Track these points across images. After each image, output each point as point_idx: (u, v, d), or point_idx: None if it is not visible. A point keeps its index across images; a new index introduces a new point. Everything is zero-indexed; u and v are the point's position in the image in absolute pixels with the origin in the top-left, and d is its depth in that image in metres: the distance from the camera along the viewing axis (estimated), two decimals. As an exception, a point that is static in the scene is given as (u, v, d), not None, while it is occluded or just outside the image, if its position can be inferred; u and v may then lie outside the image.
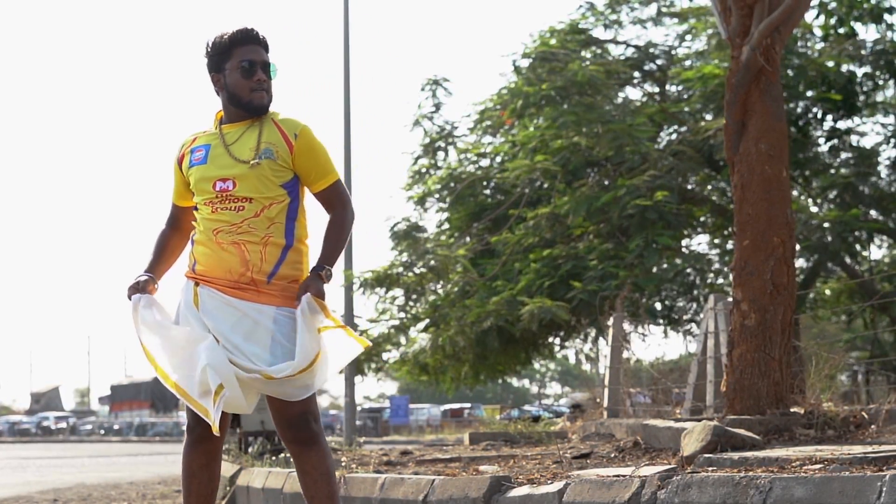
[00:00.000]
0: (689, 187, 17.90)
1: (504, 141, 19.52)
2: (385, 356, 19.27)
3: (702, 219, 18.75)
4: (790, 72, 17.40)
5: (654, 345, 35.85)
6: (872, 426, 6.46)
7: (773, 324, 6.99)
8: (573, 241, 16.81)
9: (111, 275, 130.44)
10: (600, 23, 19.51)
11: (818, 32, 18.50)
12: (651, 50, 19.67)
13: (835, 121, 18.54)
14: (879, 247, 21.45)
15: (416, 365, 18.84)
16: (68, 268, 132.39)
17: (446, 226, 19.47)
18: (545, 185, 17.48)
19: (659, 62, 19.62)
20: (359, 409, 42.96)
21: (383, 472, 6.68)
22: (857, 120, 19.00)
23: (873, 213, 18.71)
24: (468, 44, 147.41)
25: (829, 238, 16.83)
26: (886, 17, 17.68)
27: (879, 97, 19.33)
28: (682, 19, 19.63)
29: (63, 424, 56.18)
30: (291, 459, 4.20)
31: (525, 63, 18.50)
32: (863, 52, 18.09)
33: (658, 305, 17.57)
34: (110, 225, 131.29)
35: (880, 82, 18.74)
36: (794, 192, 18.28)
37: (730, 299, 8.40)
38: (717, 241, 19.39)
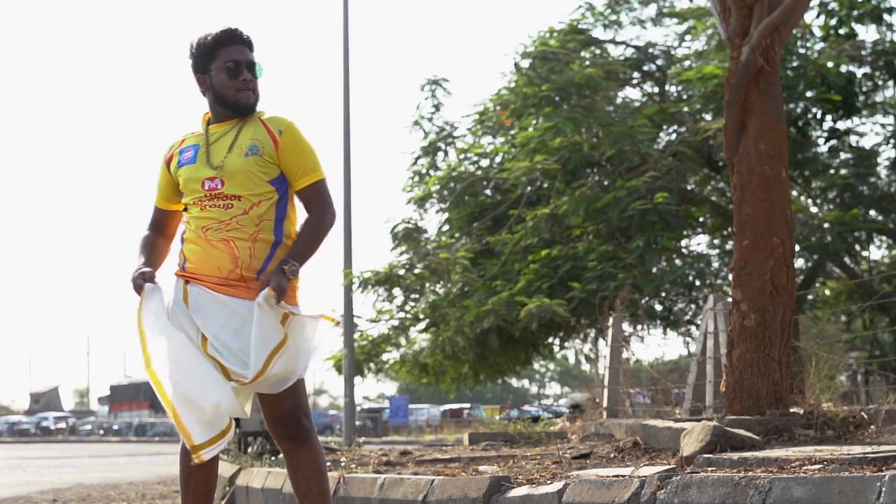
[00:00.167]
0: (689, 188, 17.90)
1: (504, 142, 19.53)
2: (385, 357, 19.28)
3: (701, 219, 18.76)
4: (790, 72, 17.40)
5: (654, 345, 35.82)
6: (872, 426, 6.46)
7: (772, 324, 6.98)
8: (572, 242, 16.81)
9: (110, 275, 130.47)
10: (600, 23, 19.52)
11: (818, 33, 18.50)
12: (650, 50, 19.68)
13: (834, 121, 18.54)
14: (879, 247, 21.46)
15: (416, 365, 18.85)
16: (68, 268, 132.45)
17: (446, 227, 19.48)
18: (545, 185, 17.48)
19: (658, 62, 19.62)
20: (358, 409, 42.98)
21: (383, 472, 6.68)
22: (856, 120, 19.01)
23: (872, 213, 18.71)
24: (468, 44, 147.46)
25: (829, 238, 16.83)
26: (886, 17, 17.68)
27: (879, 97, 19.34)
28: (682, 20, 19.63)
29: (62, 425, 56.23)
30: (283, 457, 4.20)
31: (525, 62, 18.50)
32: (863, 52, 18.10)
33: (658, 306, 17.57)
34: (110, 225, 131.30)
35: (880, 83, 18.74)
36: (794, 193, 18.28)
37: (729, 299, 8.40)
38: (716, 241, 19.40)
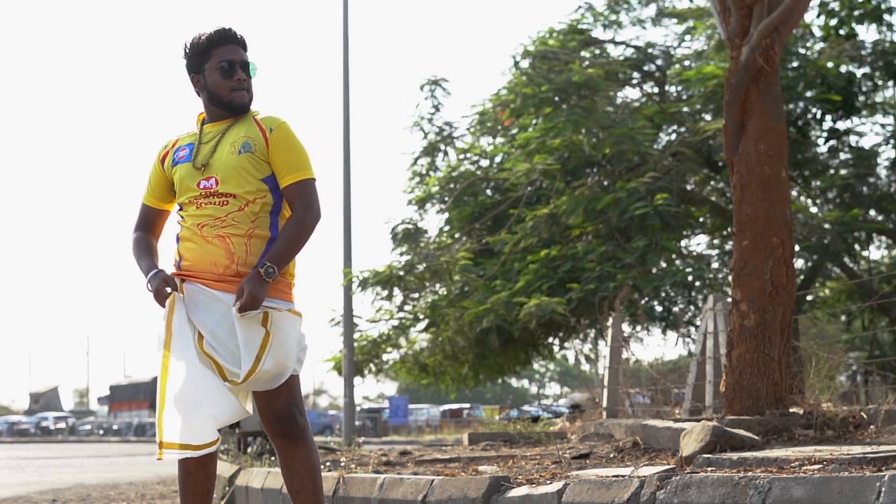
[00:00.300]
0: (689, 188, 17.91)
1: (504, 142, 19.53)
2: (385, 357, 19.27)
3: (701, 219, 18.76)
4: (790, 73, 17.40)
5: (653, 345, 35.81)
6: (871, 426, 6.46)
7: (772, 324, 6.99)
8: (572, 242, 16.81)
9: (110, 276, 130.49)
10: (599, 23, 19.52)
11: (818, 33, 18.50)
12: (650, 50, 19.69)
13: (834, 121, 18.54)
14: (878, 247, 21.46)
15: (415, 365, 18.85)
16: (67, 268, 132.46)
17: (447, 227, 19.49)
18: (545, 185, 17.48)
19: (658, 63, 19.62)
20: (358, 409, 42.99)
21: (382, 472, 6.68)
22: (856, 120, 19.01)
23: (872, 213, 18.71)
24: (468, 44, 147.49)
25: (829, 239, 16.83)
26: (886, 17, 17.67)
27: (879, 98, 19.34)
28: (681, 20, 19.64)
29: (62, 425, 56.23)
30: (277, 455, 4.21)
31: (525, 62, 18.50)
32: (862, 52, 18.09)
33: (658, 307, 17.56)
34: (109, 226, 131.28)
35: (879, 83, 18.74)
36: (794, 193, 18.29)
37: (729, 300, 8.40)
38: (716, 241, 19.40)
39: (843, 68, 17.94)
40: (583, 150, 16.40)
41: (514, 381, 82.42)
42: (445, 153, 20.38)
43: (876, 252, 21.75)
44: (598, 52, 19.28)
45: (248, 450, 9.80)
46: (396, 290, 17.79)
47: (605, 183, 17.00)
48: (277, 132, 4.13)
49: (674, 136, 18.23)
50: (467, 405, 52.68)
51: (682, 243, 18.30)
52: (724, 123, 7.49)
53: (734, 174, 7.35)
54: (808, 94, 17.71)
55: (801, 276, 17.80)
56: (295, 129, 4.19)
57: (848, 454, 4.80)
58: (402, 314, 18.63)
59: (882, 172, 19.00)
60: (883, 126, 19.71)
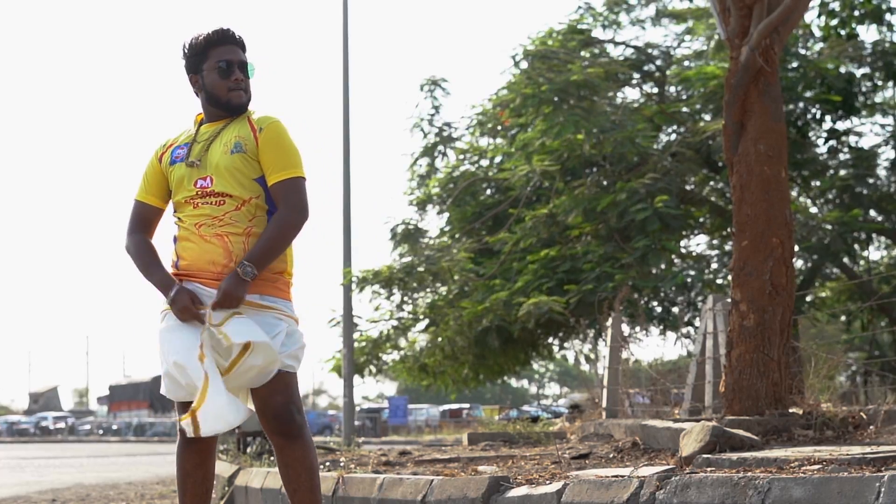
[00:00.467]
0: (688, 188, 17.91)
1: (503, 142, 19.54)
2: (385, 357, 19.26)
3: (700, 220, 18.76)
4: (789, 73, 17.40)
5: (653, 346, 35.81)
6: (871, 427, 6.46)
7: (771, 324, 6.99)
8: (571, 243, 16.81)
9: (110, 275, 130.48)
10: (599, 23, 19.53)
11: (818, 33, 18.50)
12: (650, 51, 19.69)
13: (833, 122, 18.54)
14: (878, 248, 21.46)
15: (415, 365, 18.85)
16: (67, 268, 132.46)
17: (447, 227, 19.49)
18: (545, 185, 17.48)
19: (658, 63, 19.63)
20: (357, 409, 42.97)
21: (382, 472, 6.68)
22: (855, 121, 19.02)
23: (872, 213, 18.71)
24: (467, 44, 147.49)
25: (829, 239, 16.83)
26: (886, 17, 17.66)
27: (878, 98, 19.34)
28: (681, 20, 19.64)
29: (61, 424, 56.20)
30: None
31: (525, 62, 18.50)
32: (862, 53, 18.09)
33: (657, 308, 17.56)
34: (109, 226, 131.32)
35: (879, 83, 18.74)
36: (793, 193, 18.29)
37: (728, 300, 8.40)
38: (715, 241, 19.40)
39: (842, 69, 17.94)
40: (582, 151, 16.40)
41: (513, 382, 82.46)
42: (444, 154, 20.40)
43: (875, 252, 21.76)
44: (597, 52, 19.29)
45: (248, 450, 9.80)
46: (395, 289, 17.80)
47: (605, 183, 17.00)
48: (267, 131, 4.12)
49: (673, 137, 18.23)
50: (467, 405, 52.67)
51: (682, 243, 18.30)
52: (724, 124, 7.48)
53: (734, 174, 7.35)
54: (808, 94, 17.71)
55: (801, 277, 17.81)
56: (287, 128, 4.16)
57: (847, 454, 4.80)
58: (402, 314, 18.64)
59: (882, 173, 19.01)
60: (882, 126, 19.71)
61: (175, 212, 4.19)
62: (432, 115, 20.62)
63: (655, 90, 19.80)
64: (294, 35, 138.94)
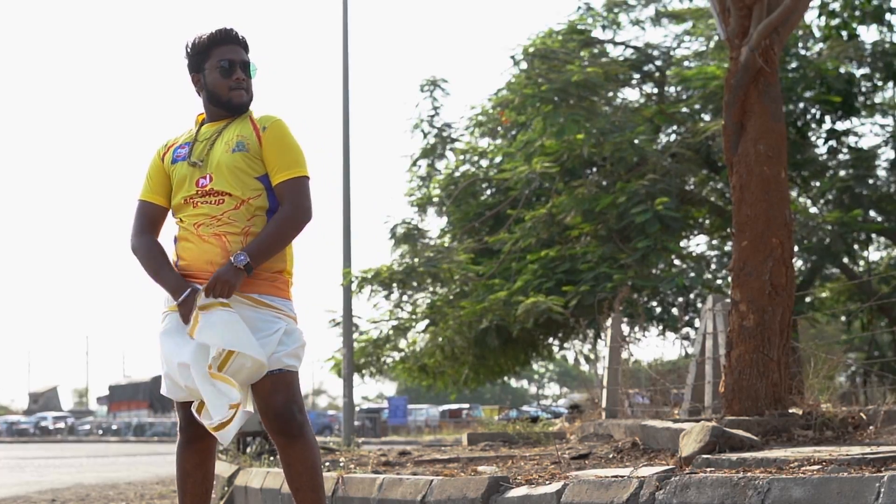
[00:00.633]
0: (688, 188, 17.91)
1: (503, 143, 19.54)
2: (386, 359, 19.24)
3: (700, 220, 18.76)
4: (789, 73, 17.40)
5: (653, 346, 35.79)
6: (871, 427, 6.46)
7: (771, 325, 6.98)
8: (570, 243, 16.81)
9: (109, 275, 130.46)
10: (598, 23, 19.53)
11: (818, 33, 18.50)
12: (650, 51, 19.69)
13: (833, 122, 18.54)
14: (877, 248, 21.46)
15: (415, 364, 18.85)
16: (67, 268, 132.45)
17: (448, 228, 19.50)
18: (545, 185, 17.49)
19: (658, 63, 19.63)
20: (357, 409, 42.98)
21: (381, 472, 6.68)
22: (855, 121, 19.02)
23: (872, 214, 18.71)
24: (467, 44, 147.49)
25: (830, 240, 16.82)
26: (887, 16, 17.66)
27: (878, 98, 19.34)
28: (680, 20, 19.64)
29: (61, 424, 56.18)
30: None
31: (524, 63, 18.50)
32: (863, 53, 18.09)
33: (657, 308, 17.56)
34: (109, 225, 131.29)
35: (879, 83, 18.74)
36: (793, 194, 18.29)
37: (728, 300, 8.40)
38: (715, 241, 19.40)
39: (842, 69, 17.93)
40: (582, 151, 16.40)
41: (513, 382, 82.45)
42: (443, 155, 20.41)
43: (875, 253, 21.76)
44: (597, 52, 19.29)
45: (248, 450, 9.80)
46: (395, 288, 17.78)
47: (605, 183, 17.00)
48: (271, 130, 4.12)
49: (673, 137, 18.22)
50: (466, 405, 52.67)
51: (682, 244, 18.29)
52: (724, 124, 7.48)
53: (733, 175, 7.35)
54: (808, 94, 17.71)
55: (800, 278, 17.81)
56: (290, 127, 4.17)
57: (847, 455, 4.80)
58: (401, 314, 18.64)
59: (881, 173, 19.01)
60: (882, 127, 19.71)
61: (175, 213, 4.19)
62: (432, 116, 20.63)
63: (655, 90, 19.81)
64: (294, 35, 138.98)
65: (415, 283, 17.49)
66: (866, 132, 41.43)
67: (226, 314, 3.93)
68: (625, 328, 13.32)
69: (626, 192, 15.85)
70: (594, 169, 17.53)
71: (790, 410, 6.87)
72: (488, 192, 19.37)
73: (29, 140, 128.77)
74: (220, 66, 4.15)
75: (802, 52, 18.41)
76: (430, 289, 18.22)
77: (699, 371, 9.87)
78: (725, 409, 7.06)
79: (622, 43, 19.73)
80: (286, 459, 4.07)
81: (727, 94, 7.41)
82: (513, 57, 18.68)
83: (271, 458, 8.43)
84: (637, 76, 19.71)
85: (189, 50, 4.22)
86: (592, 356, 19.76)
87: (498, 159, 19.45)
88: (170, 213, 4.26)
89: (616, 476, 4.61)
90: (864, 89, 18.60)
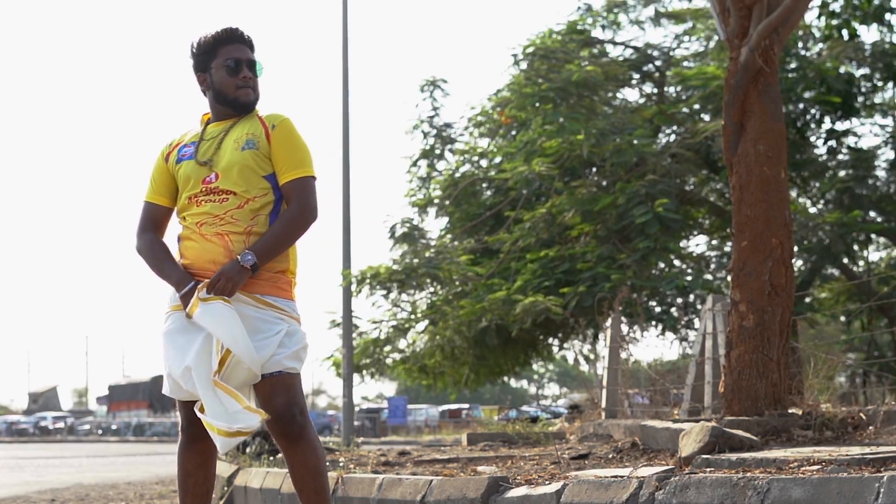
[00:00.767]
0: (688, 188, 17.91)
1: (503, 143, 19.54)
2: (386, 359, 19.24)
3: (700, 220, 18.76)
4: (789, 74, 17.40)
5: (652, 346, 35.79)
6: (870, 427, 6.46)
7: (771, 325, 6.98)
8: (570, 243, 16.81)
9: (109, 275, 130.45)
10: (598, 24, 19.53)
11: (818, 34, 18.49)
12: (649, 51, 19.69)
13: (833, 122, 18.54)
14: (877, 249, 21.46)
15: (415, 366, 18.85)
16: (66, 268, 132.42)
17: (448, 228, 19.50)
18: (544, 185, 17.49)
19: (657, 63, 19.63)
20: (357, 409, 42.96)
21: (381, 472, 6.68)
22: (855, 121, 19.01)
23: (871, 214, 18.71)
24: (467, 44, 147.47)
25: (829, 240, 16.82)
26: (887, 16, 17.64)
27: (878, 99, 19.33)
28: (680, 21, 19.65)
29: (61, 424, 56.17)
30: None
31: (524, 63, 18.50)
32: (863, 53, 18.08)
33: (656, 308, 17.56)
34: (108, 225, 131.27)
35: (879, 84, 18.74)
36: (793, 194, 18.28)
37: (728, 300, 8.40)
38: (714, 242, 19.40)
39: (842, 69, 17.92)
40: (581, 151, 16.40)
41: (512, 382, 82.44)
42: (442, 155, 20.41)
43: (875, 253, 21.76)
44: (597, 52, 19.29)
45: (247, 450, 9.79)
46: (394, 286, 17.77)
47: (604, 183, 17.00)
48: (279, 128, 4.12)
49: (673, 138, 18.22)
50: (466, 405, 52.68)
51: (682, 244, 18.29)
52: (724, 124, 7.48)
53: (733, 175, 7.34)
54: (808, 95, 17.70)
55: (800, 278, 17.81)
56: (298, 127, 4.17)
57: (847, 455, 4.80)
58: (402, 315, 18.64)
59: (881, 174, 19.01)
60: (882, 127, 19.71)
61: (179, 213, 4.19)
62: (432, 117, 20.63)
63: (655, 91, 19.81)
64: (294, 35, 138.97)
65: (414, 284, 17.49)
66: (866, 132, 41.46)
67: (225, 309, 3.92)
68: (624, 328, 13.34)
69: (625, 193, 15.84)
70: (594, 169, 17.53)
71: (790, 411, 6.87)
72: (488, 192, 19.37)
73: (29, 140, 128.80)
74: (227, 65, 4.15)
75: (802, 52, 18.40)
76: (430, 289, 18.22)
77: (699, 371, 9.87)
78: (725, 410, 7.06)
79: (622, 43, 19.74)
80: (289, 461, 4.07)
81: (727, 94, 7.41)
82: (514, 55, 18.68)
83: (271, 458, 8.42)
84: (637, 76, 19.71)
85: (195, 49, 4.22)
86: (592, 356, 19.77)
87: (498, 159, 19.46)
88: (174, 214, 4.26)
89: (616, 476, 4.61)
90: (863, 89, 18.59)
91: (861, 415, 6.63)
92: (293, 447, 4.03)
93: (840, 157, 18.85)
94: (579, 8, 19.54)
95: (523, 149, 17.31)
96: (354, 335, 18.78)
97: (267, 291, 4.04)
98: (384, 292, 17.86)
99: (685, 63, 19.20)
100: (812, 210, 19.16)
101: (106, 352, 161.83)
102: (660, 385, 10.50)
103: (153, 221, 4.24)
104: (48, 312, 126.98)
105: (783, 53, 16.36)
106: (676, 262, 17.34)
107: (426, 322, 18.28)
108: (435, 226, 20.33)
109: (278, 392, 4.00)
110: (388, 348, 18.89)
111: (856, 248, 18.67)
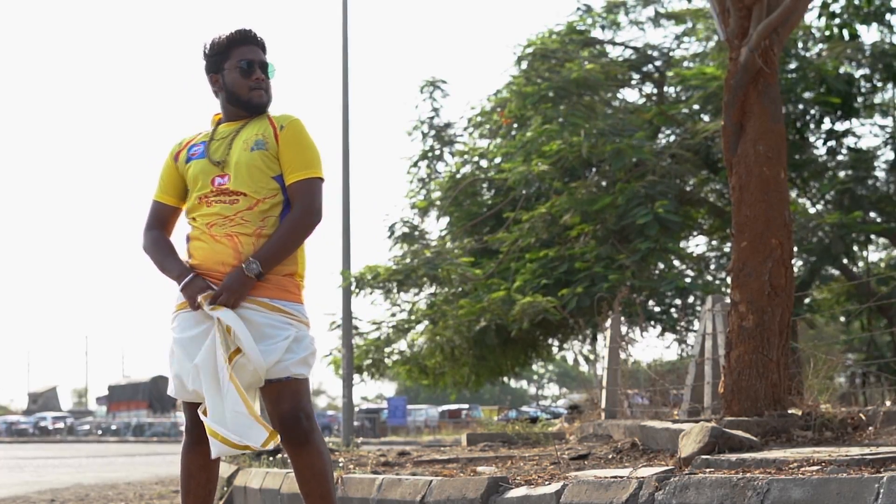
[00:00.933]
0: (687, 189, 17.91)
1: (503, 143, 19.54)
2: (386, 360, 19.24)
3: (699, 221, 18.75)
4: (789, 74, 17.39)
5: (652, 346, 35.79)
6: (870, 428, 6.46)
7: (770, 325, 6.98)
8: (570, 243, 16.81)
9: (109, 275, 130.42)
10: (598, 24, 19.53)
11: (818, 34, 18.48)
12: (649, 52, 19.68)
13: (833, 123, 18.54)
14: (876, 249, 21.46)
15: (416, 366, 18.85)
16: (66, 268, 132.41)
17: (448, 230, 19.50)
18: (543, 186, 17.48)
19: (657, 64, 19.63)
20: (357, 409, 42.95)
21: (381, 472, 6.68)
22: (854, 122, 19.01)
23: (871, 214, 18.71)
24: (467, 45, 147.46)
25: (829, 241, 16.82)
26: (887, 17, 17.63)
27: (878, 99, 19.32)
28: (679, 21, 19.65)
29: (60, 425, 56.16)
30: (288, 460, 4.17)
31: (524, 63, 18.50)
32: (861, 53, 18.07)
33: (655, 308, 17.56)
34: (108, 225, 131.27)
35: (879, 84, 18.73)
36: (792, 194, 18.28)
37: (727, 300, 8.40)
38: (714, 242, 19.40)
39: (842, 70, 17.92)
40: (580, 153, 16.39)
41: (512, 382, 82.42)
42: (441, 158, 20.42)
43: (874, 254, 21.77)
44: (596, 52, 19.29)
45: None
46: (393, 285, 17.76)
47: (604, 184, 17.00)
48: (288, 129, 4.11)
49: (672, 138, 18.22)
50: (466, 406, 52.67)
51: (681, 244, 18.28)
52: (723, 125, 7.48)
53: (733, 175, 7.34)
54: (807, 95, 17.70)
55: (799, 279, 17.80)
56: (307, 127, 4.16)
57: (846, 455, 4.80)
58: (402, 316, 18.63)
59: (880, 174, 19.01)
60: (882, 128, 19.70)
61: (188, 213, 4.18)
62: (432, 118, 20.64)
63: (655, 91, 19.81)
64: (294, 35, 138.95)
65: (414, 282, 17.49)
66: (866, 133, 41.45)
67: (231, 313, 3.94)
68: (623, 329, 13.33)
69: (625, 194, 15.84)
70: (594, 170, 17.53)
71: (789, 411, 6.87)
72: (489, 192, 19.37)
73: (29, 140, 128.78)
74: (240, 67, 4.15)
75: (802, 52, 18.40)
76: (430, 290, 18.22)
77: (698, 371, 9.87)
78: (725, 410, 7.06)
79: (621, 43, 19.73)
80: (295, 465, 4.06)
81: (726, 94, 7.41)
82: (515, 53, 18.68)
83: (270, 459, 8.42)
84: (636, 77, 19.71)
85: (207, 51, 4.22)
86: (592, 357, 19.77)
87: (498, 160, 19.46)
88: (183, 213, 4.25)
89: (615, 476, 4.61)
90: (863, 90, 18.59)
91: (861, 415, 6.63)
92: (299, 452, 4.02)
93: (840, 157, 18.85)
94: (579, 9, 19.54)
95: (522, 148, 17.31)
96: (355, 337, 18.77)
97: (275, 295, 4.02)
98: (383, 292, 17.86)
99: (685, 63, 19.20)
100: (812, 210, 19.15)
101: (106, 352, 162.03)
102: (659, 385, 10.50)
103: (160, 220, 4.25)
104: (48, 312, 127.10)
105: (783, 54, 16.35)
106: (676, 263, 17.33)
107: (426, 322, 18.28)
108: (435, 227, 20.31)
109: (285, 398, 4.00)
110: (388, 349, 18.88)
111: (855, 248, 18.66)
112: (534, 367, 30.79)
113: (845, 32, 17.39)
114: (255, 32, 4.23)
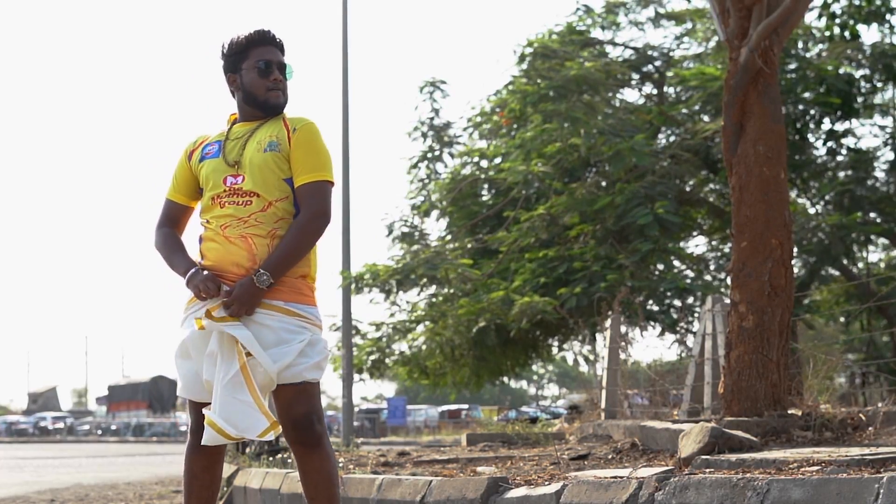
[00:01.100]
0: (687, 189, 17.91)
1: (502, 143, 19.55)
2: (386, 360, 19.25)
3: (699, 221, 18.75)
4: (789, 74, 17.39)
5: (652, 346, 35.77)
6: (870, 428, 6.46)
7: (770, 325, 6.98)
8: (569, 243, 16.81)
9: (109, 275, 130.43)
10: (597, 25, 19.53)
11: (818, 34, 18.48)
12: (649, 52, 19.68)
13: (832, 123, 18.54)
14: (876, 249, 21.46)
15: (416, 367, 18.85)
16: (66, 268, 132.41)
17: (448, 230, 19.50)
18: (544, 185, 17.48)
19: (657, 64, 19.62)
20: (356, 409, 42.95)
21: (381, 472, 6.68)
22: (854, 122, 19.01)
23: (871, 215, 18.71)
24: (467, 44, 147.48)
25: (829, 241, 16.81)
26: (887, 17, 17.63)
27: (878, 99, 19.32)
28: (679, 21, 19.65)
29: (60, 425, 56.14)
30: (290, 460, 4.17)
31: (524, 63, 18.49)
32: (861, 54, 18.07)
33: (655, 308, 17.55)
34: (108, 225, 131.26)
35: (879, 84, 18.73)
36: (792, 195, 18.28)
37: (727, 301, 8.40)
38: (714, 242, 19.39)
39: (842, 70, 17.92)
40: (580, 153, 16.39)
41: (512, 383, 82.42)
42: (441, 158, 20.42)
43: (874, 254, 21.76)
44: (596, 52, 19.29)
45: (247, 450, 9.80)
46: (392, 285, 17.75)
47: (603, 184, 17.00)
48: (301, 131, 4.10)
49: (672, 139, 18.22)
50: (465, 406, 52.66)
51: (681, 245, 18.28)
52: (723, 125, 7.48)
53: (733, 175, 7.35)
54: (807, 95, 17.70)
55: (798, 280, 17.80)
56: (320, 131, 4.15)
57: (846, 456, 4.80)
58: (402, 316, 18.64)
59: (880, 175, 19.01)
60: (882, 128, 19.71)
61: (202, 213, 4.17)
62: (432, 118, 20.64)
63: (654, 91, 19.80)
64: (294, 35, 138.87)
65: (413, 282, 17.49)
66: (865, 133, 41.46)
67: (241, 326, 3.94)
68: (623, 329, 13.33)
69: (624, 194, 15.84)
70: (593, 170, 17.53)
71: (789, 411, 6.88)
72: (489, 192, 19.36)
73: (30, 141, 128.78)
74: (258, 67, 4.15)
75: (802, 53, 18.40)
76: (430, 290, 18.23)
77: (698, 372, 9.87)
78: (724, 410, 7.06)
79: (621, 44, 19.73)
80: (302, 468, 4.05)
81: (726, 94, 7.41)
82: (516, 52, 18.68)
83: (270, 459, 8.42)
84: (636, 77, 19.71)
85: (225, 50, 4.21)
86: (591, 357, 19.76)
87: (498, 160, 19.46)
88: (196, 213, 4.25)
89: (615, 477, 4.61)
90: (863, 90, 18.59)
91: (860, 415, 6.63)
92: (309, 455, 4.02)
93: (840, 158, 18.85)
94: (578, 9, 19.53)
95: (521, 147, 17.31)
96: (356, 339, 18.77)
97: (289, 298, 4.01)
98: (382, 291, 17.87)
99: (685, 64, 19.19)
100: (811, 211, 19.16)
101: (105, 352, 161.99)
102: (659, 386, 10.50)
103: (171, 219, 4.25)
104: (48, 312, 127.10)
105: (783, 54, 16.35)
106: (676, 263, 17.33)
107: (426, 322, 18.28)
108: (435, 228, 20.32)
109: (300, 401, 3.99)
110: (388, 351, 18.88)
111: (855, 249, 18.67)
112: (534, 367, 30.80)
113: (846, 33, 17.40)
114: (274, 33, 4.23)
